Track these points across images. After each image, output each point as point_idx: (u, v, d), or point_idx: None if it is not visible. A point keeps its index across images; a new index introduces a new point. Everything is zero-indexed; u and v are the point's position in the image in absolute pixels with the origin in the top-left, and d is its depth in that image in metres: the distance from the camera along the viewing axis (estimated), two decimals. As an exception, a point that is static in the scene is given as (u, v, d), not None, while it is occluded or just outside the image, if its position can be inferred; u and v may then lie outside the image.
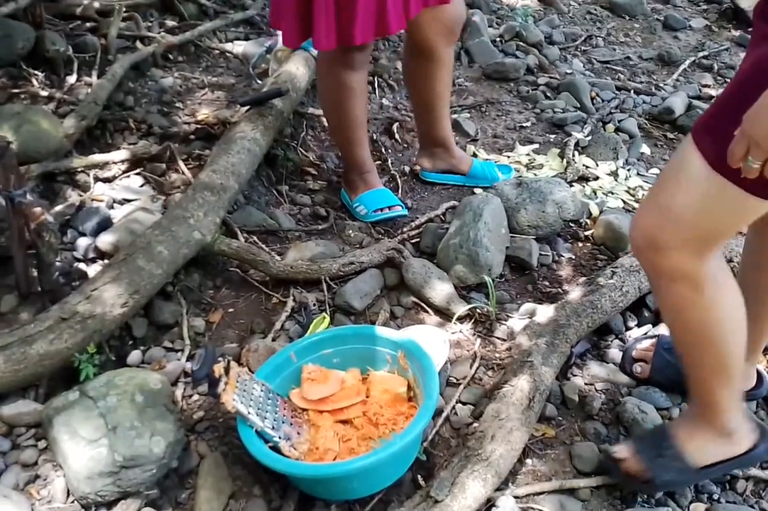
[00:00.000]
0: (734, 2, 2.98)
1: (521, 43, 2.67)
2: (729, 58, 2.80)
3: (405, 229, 1.86)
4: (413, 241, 1.82)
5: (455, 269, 1.67)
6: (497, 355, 1.53)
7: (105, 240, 1.56)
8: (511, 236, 1.81)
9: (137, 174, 1.86)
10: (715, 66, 2.71)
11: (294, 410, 1.23)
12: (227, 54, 2.43)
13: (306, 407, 1.26)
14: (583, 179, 2.14)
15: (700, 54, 2.76)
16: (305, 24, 1.53)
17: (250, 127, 1.82)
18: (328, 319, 1.51)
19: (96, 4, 2.39)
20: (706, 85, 2.63)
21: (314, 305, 1.57)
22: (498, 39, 2.71)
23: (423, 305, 1.63)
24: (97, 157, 1.83)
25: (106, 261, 1.53)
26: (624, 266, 1.67)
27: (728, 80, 2.67)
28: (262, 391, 1.20)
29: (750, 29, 2.93)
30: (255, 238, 1.76)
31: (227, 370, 1.17)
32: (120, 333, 1.42)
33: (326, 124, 1.97)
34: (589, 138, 2.29)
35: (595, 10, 3.07)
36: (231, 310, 1.55)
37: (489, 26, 2.75)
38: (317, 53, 1.76)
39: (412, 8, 1.63)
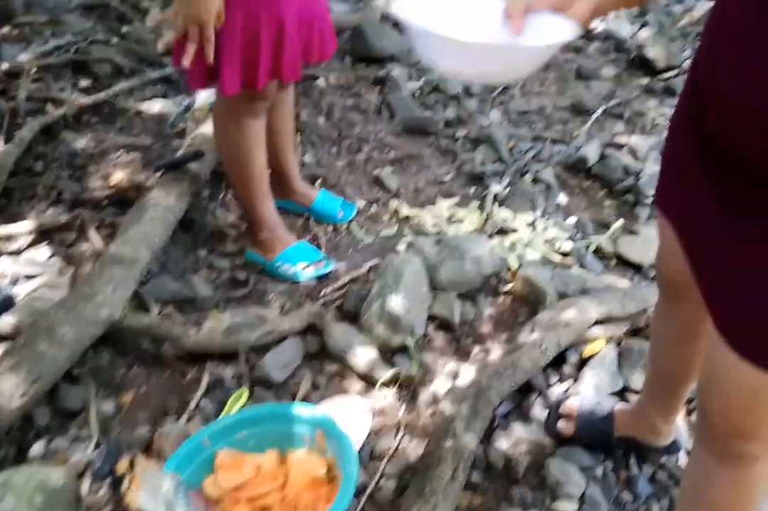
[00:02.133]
0: (640, 52, 3.14)
1: (440, 96, 2.73)
2: (639, 106, 2.93)
3: (328, 291, 1.85)
4: (336, 303, 1.80)
5: (378, 332, 1.65)
6: (421, 422, 1.51)
7: (6, 322, 1.48)
8: (433, 293, 1.81)
9: (46, 244, 1.79)
10: (626, 114, 2.83)
11: (207, 502, 1.18)
12: (143, 114, 2.40)
13: (220, 496, 1.20)
14: (502, 232, 2.17)
15: (612, 102, 2.87)
16: (211, 69, 1.54)
17: (164, 194, 1.79)
18: (246, 394, 1.47)
19: (4, 66, 2.33)
20: (618, 133, 2.74)
21: (232, 378, 1.53)
22: (418, 92, 2.77)
23: (346, 372, 1.61)
24: (2, 230, 1.75)
25: (5, 345, 1.45)
26: (542, 322, 1.69)
27: (638, 127, 2.78)
28: (171, 485, 1.14)
29: (658, 78, 3.10)
30: (171, 308, 1.71)
31: (132, 465, 1.11)
32: (21, 423, 1.34)
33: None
34: (507, 190, 2.34)
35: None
36: (144, 389, 1.49)
37: (409, 79, 2.81)
38: (215, 102, 1.74)
39: (314, 55, 1.65)
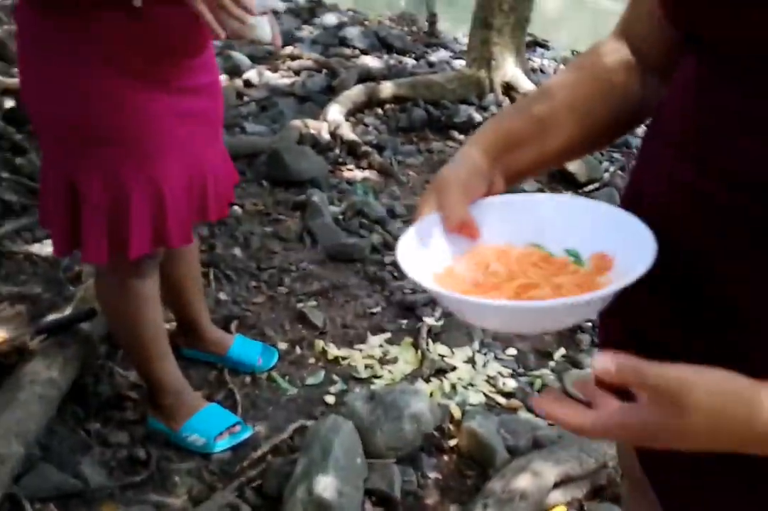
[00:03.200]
0: (562, 166, 3.16)
1: (364, 221, 2.61)
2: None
3: (245, 465, 1.58)
4: (255, 483, 1.54)
5: (304, 523, 1.39)
6: None
7: None
8: (369, 462, 1.58)
9: None
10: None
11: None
12: (34, 257, 2.15)
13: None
14: (441, 372, 1.98)
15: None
16: (74, 231, 1.33)
17: (45, 365, 1.53)
18: None
19: None
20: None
21: None
22: (340, 217, 2.64)
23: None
24: None
25: None
26: (495, 494, 1.47)
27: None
28: None
29: (580, 191, 3.10)
30: (52, 506, 1.41)
31: None
32: None
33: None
34: (442, 322, 2.18)
35: (431, 179, 3.12)
36: None
37: (330, 204, 2.69)
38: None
39: (211, 214, 1.48)
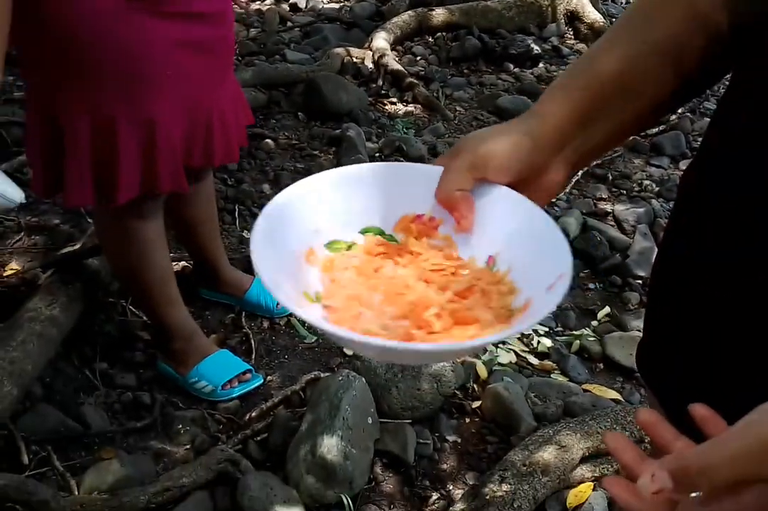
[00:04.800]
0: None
1: (401, 159, 2.43)
2: (623, 166, 2.65)
3: (252, 416, 1.50)
4: (260, 437, 1.46)
5: (306, 484, 1.31)
6: None
7: None
8: (382, 422, 1.47)
9: None
10: (609, 176, 2.55)
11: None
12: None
13: None
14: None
15: (593, 162, 2.60)
16: (55, 173, 1.22)
17: (47, 303, 1.45)
18: None
19: None
20: (600, 199, 2.45)
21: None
22: (377, 154, 2.46)
23: (265, 538, 1.26)
24: None
25: None
26: (515, 466, 1.36)
27: (623, 192, 2.49)
28: None
29: (643, 134, 2.83)
30: (50, 449, 1.36)
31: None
32: None
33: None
34: (477, 273, 2.03)
35: (482, 115, 2.90)
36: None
37: (368, 140, 2.51)
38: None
39: (215, 158, 1.34)
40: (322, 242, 0.57)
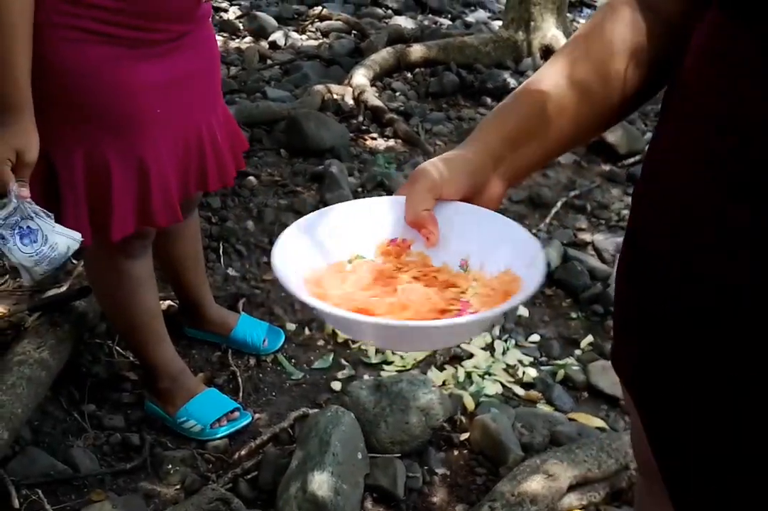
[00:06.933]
0: (600, 137, 2.96)
1: (384, 194, 2.48)
2: (601, 196, 2.71)
3: (242, 454, 1.51)
4: (250, 475, 1.46)
5: (297, 521, 1.32)
6: None
7: None
8: (371, 457, 1.48)
9: None
10: (588, 206, 2.61)
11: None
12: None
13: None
14: (456, 359, 1.87)
15: (572, 193, 2.65)
16: (53, 212, 1.24)
17: (35, 346, 1.46)
18: None
19: None
20: (580, 229, 2.50)
21: None
22: (360, 189, 2.51)
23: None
24: None
25: None
26: (504, 496, 1.37)
27: (602, 221, 2.55)
28: None
29: (620, 164, 2.90)
30: (40, 493, 1.36)
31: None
32: None
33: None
34: (461, 304, 2.06)
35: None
36: None
37: (350, 175, 2.56)
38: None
39: (211, 184, 1.38)
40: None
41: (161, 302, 1.82)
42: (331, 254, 0.66)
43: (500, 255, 0.64)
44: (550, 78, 0.67)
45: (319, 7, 4.03)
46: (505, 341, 1.96)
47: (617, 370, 0.73)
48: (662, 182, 0.59)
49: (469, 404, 1.70)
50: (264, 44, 3.68)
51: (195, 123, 1.32)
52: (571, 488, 1.44)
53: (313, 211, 0.68)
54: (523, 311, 2.11)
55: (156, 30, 1.18)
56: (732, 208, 0.50)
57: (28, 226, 1.09)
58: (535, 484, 1.39)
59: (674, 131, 0.59)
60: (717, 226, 0.52)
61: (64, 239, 1.11)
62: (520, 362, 1.89)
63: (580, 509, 1.44)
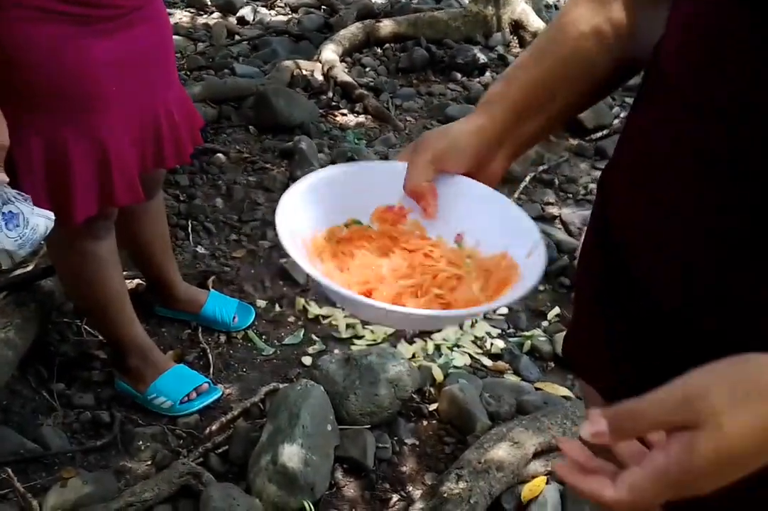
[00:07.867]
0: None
1: (354, 169, 2.48)
2: (569, 171, 2.74)
3: (212, 429, 1.52)
4: (221, 449, 1.48)
5: (269, 492, 1.34)
6: None
7: None
8: (341, 429, 1.51)
9: None
10: (556, 180, 2.63)
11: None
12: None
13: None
14: (425, 332, 1.89)
15: (540, 168, 2.67)
16: None
17: (1, 325, 1.45)
18: None
19: None
20: (548, 203, 2.53)
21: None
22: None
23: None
24: None
25: None
26: (471, 464, 1.40)
27: (570, 195, 2.58)
28: None
29: (587, 138, 2.92)
30: (9, 471, 1.36)
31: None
32: None
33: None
34: (431, 279, 2.08)
35: (432, 124, 2.92)
36: None
37: (320, 152, 2.54)
38: None
39: (169, 161, 1.38)
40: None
41: (130, 280, 1.82)
42: (328, 217, 0.65)
43: (497, 236, 0.63)
44: (544, 52, 0.67)
45: (288, -18, 3.96)
46: (474, 314, 1.99)
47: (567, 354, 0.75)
48: (636, 165, 0.60)
49: (438, 375, 1.72)
50: (232, 20, 3.63)
51: (150, 100, 1.30)
52: (537, 455, 1.48)
53: (283, 188, 0.68)
54: (492, 285, 2.14)
55: (105, 5, 1.16)
56: (710, 195, 0.51)
57: (10, 211, 1.07)
58: (501, 451, 1.42)
59: (653, 113, 0.60)
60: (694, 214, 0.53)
61: (42, 220, 1.10)
62: (488, 333, 1.92)
63: (544, 475, 1.48)
